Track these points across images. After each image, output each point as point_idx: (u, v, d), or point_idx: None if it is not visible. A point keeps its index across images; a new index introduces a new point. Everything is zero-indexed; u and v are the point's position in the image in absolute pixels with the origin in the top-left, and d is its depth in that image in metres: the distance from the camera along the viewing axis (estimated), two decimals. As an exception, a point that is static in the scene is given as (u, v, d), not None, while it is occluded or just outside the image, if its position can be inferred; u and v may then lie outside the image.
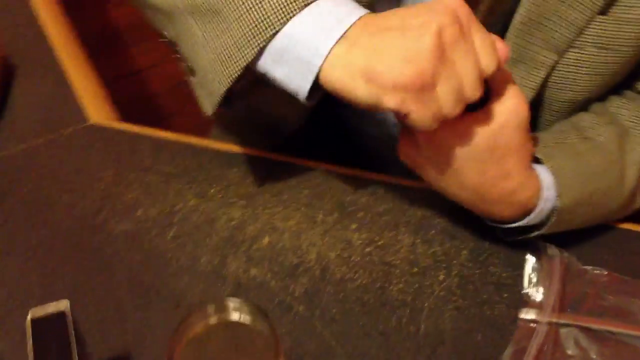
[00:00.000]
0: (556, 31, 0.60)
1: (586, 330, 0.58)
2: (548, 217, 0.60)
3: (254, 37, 0.52)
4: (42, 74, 0.82)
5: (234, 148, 0.75)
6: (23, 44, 0.85)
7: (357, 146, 0.86)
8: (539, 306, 0.60)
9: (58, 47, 0.85)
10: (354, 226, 0.67)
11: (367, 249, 0.66)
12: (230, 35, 0.53)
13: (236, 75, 0.54)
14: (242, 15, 0.53)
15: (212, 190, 0.71)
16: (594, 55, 0.61)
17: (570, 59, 0.62)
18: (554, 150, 0.61)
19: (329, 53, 0.51)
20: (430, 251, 0.66)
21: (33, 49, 0.85)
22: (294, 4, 0.52)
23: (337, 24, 0.51)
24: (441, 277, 0.64)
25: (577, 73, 0.63)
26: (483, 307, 0.61)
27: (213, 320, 0.45)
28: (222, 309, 0.45)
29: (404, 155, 0.60)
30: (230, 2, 0.53)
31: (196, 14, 0.56)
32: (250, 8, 0.52)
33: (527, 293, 0.61)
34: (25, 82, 0.81)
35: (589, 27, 0.60)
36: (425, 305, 0.62)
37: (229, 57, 0.54)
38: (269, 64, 0.53)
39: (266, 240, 0.66)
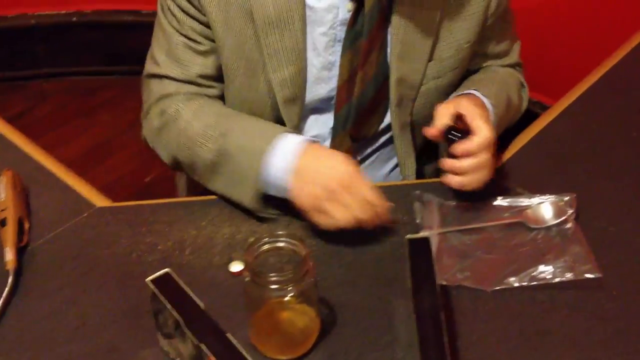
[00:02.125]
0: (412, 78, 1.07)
1: (462, 231, 0.97)
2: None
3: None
4: (48, 186, 1.12)
5: (209, 197, 1.08)
6: (28, 172, 1.15)
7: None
8: (429, 227, 0.98)
9: (53, 169, 1.16)
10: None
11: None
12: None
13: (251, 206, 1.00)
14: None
15: (203, 223, 1.04)
16: (432, 82, 1.09)
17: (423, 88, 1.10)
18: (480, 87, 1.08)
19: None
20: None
21: (35, 174, 1.15)
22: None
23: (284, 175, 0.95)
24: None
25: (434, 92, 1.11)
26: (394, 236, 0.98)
27: (267, 246, 0.80)
28: (273, 238, 0.80)
29: None
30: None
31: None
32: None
33: (420, 222, 0.99)
34: (38, 195, 1.10)
35: (426, 70, 1.07)
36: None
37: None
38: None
39: (252, 239, 1.00)
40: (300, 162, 0.94)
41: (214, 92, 1.09)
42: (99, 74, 2.68)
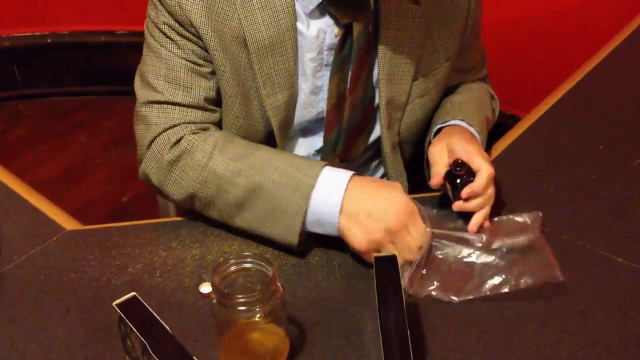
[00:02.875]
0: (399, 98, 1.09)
1: (441, 235, 0.98)
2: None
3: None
4: (18, 210, 1.12)
5: (178, 218, 1.09)
6: (-5, 194, 1.14)
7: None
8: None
9: (22, 193, 1.15)
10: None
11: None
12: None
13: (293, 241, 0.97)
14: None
15: (173, 244, 1.04)
16: (417, 101, 1.11)
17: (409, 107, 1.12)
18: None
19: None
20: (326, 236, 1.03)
21: (4, 198, 1.14)
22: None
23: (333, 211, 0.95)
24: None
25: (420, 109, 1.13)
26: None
27: (234, 267, 0.80)
28: (240, 259, 0.80)
29: None
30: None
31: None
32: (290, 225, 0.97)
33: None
34: (7, 219, 1.10)
35: (412, 90, 1.09)
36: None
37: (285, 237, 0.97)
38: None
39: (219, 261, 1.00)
40: (351, 199, 0.94)
41: (216, 117, 1.07)
42: (74, 94, 2.68)
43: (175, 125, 1.02)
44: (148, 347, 0.75)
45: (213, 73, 1.03)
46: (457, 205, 1.00)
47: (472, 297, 0.91)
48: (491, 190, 1.00)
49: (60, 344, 0.90)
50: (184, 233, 1.05)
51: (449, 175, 1.01)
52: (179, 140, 1.01)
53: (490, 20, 1.20)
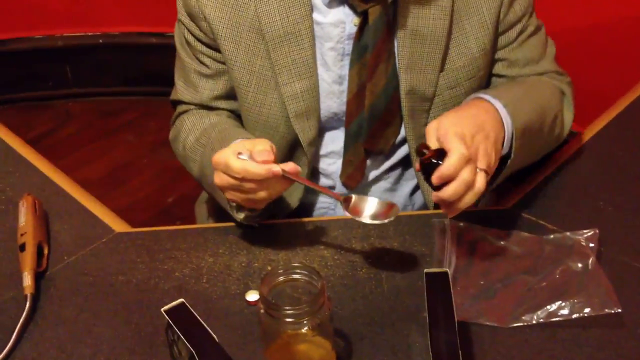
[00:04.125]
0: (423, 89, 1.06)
1: (479, 265, 0.96)
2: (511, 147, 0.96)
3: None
4: (68, 211, 1.13)
5: (225, 224, 1.08)
6: (48, 196, 1.15)
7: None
8: (446, 259, 0.97)
9: (72, 193, 1.16)
10: (322, 247, 1.02)
11: (335, 256, 1.01)
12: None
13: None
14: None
15: (220, 250, 1.03)
16: (446, 93, 1.07)
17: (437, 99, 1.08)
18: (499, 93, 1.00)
19: None
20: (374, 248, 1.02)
21: (55, 198, 1.15)
22: None
23: None
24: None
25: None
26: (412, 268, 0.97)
27: (282, 277, 0.79)
28: (289, 270, 0.79)
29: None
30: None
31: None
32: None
33: (436, 253, 0.98)
34: (58, 219, 1.11)
35: (439, 81, 1.06)
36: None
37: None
38: None
39: (269, 268, 0.99)
40: None
41: (225, 111, 1.13)
42: (123, 95, 2.71)
43: (182, 112, 1.14)
44: (195, 355, 0.74)
45: (221, 73, 1.09)
46: (435, 196, 0.89)
47: (523, 324, 0.88)
48: (467, 175, 0.86)
49: (107, 347, 0.90)
50: (231, 239, 1.05)
51: (420, 156, 0.90)
52: (177, 122, 1.14)
53: (546, 27, 1.16)
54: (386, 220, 0.92)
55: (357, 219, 0.93)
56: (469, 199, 0.88)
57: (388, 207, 0.93)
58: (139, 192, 2.29)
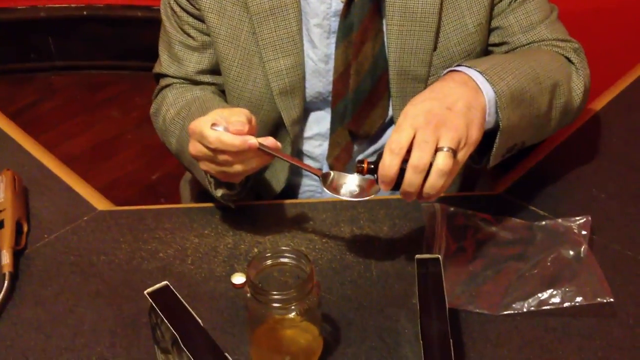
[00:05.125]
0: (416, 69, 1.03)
1: (471, 250, 0.94)
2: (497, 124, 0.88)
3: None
4: (49, 187, 1.10)
5: (211, 204, 1.06)
6: (28, 172, 1.12)
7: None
8: (436, 244, 0.95)
9: (54, 170, 1.13)
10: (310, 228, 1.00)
11: (324, 239, 0.98)
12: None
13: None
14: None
15: (206, 231, 1.01)
16: (441, 73, 0.98)
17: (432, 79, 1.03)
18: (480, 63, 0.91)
19: None
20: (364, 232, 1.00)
21: (36, 174, 1.12)
22: None
23: None
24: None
25: None
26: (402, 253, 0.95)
27: (270, 261, 0.76)
28: (277, 253, 0.77)
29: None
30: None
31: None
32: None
33: (427, 237, 0.96)
34: (38, 195, 1.08)
35: (432, 60, 1.02)
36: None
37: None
38: None
39: (255, 250, 0.97)
40: None
41: (210, 86, 1.10)
42: (108, 69, 2.66)
43: (165, 87, 1.11)
44: (179, 339, 0.72)
45: (207, 46, 1.06)
46: (401, 194, 0.83)
47: (514, 312, 0.87)
48: (415, 160, 0.79)
49: (88, 328, 0.88)
50: (217, 220, 1.02)
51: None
52: (159, 96, 1.11)
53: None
54: (366, 198, 0.88)
55: (335, 195, 0.90)
56: (434, 181, 0.80)
57: (369, 184, 0.89)
58: (123, 168, 2.26)
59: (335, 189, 0.90)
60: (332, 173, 0.91)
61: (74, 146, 2.33)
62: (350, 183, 0.90)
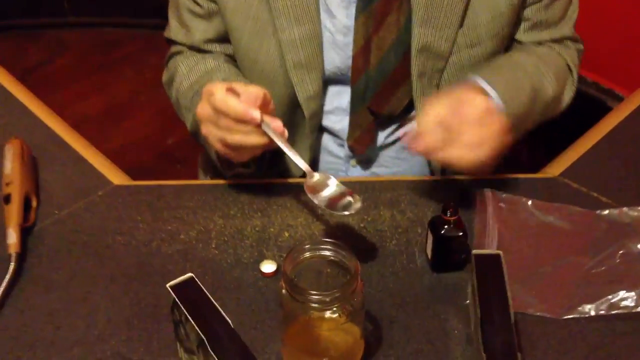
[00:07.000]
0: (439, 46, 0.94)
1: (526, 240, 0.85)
2: None
3: None
4: (60, 158, 1.00)
5: (238, 181, 0.96)
6: (38, 140, 1.03)
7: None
8: (485, 234, 0.86)
9: (66, 138, 1.04)
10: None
11: (362, 224, 0.89)
12: None
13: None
14: None
15: (232, 211, 0.92)
16: (464, 52, 0.96)
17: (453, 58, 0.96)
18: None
19: None
20: (405, 216, 0.90)
21: (46, 143, 1.03)
22: None
23: None
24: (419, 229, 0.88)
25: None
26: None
27: (309, 254, 0.67)
28: (317, 245, 0.68)
29: None
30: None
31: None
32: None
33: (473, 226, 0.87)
34: (48, 166, 0.99)
35: (457, 38, 0.94)
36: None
37: None
38: None
39: (286, 234, 0.88)
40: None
41: (218, 54, 1.04)
42: (122, 26, 2.55)
43: (175, 54, 1.06)
44: (207, 342, 0.63)
45: (214, 13, 0.99)
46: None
47: (580, 316, 0.78)
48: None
49: (102, 319, 0.79)
50: (244, 199, 0.93)
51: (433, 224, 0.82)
52: (171, 66, 1.05)
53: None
54: (345, 213, 0.79)
55: (313, 199, 0.80)
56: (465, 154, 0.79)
57: (349, 200, 0.80)
58: (137, 132, 2.16)
59: (313, 192, 0.81)
60: (315, 175, 0.82)
61: (85, 108, 2.23)
62: (328, 191, 0.81)
